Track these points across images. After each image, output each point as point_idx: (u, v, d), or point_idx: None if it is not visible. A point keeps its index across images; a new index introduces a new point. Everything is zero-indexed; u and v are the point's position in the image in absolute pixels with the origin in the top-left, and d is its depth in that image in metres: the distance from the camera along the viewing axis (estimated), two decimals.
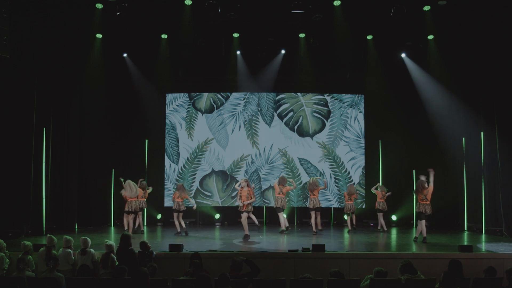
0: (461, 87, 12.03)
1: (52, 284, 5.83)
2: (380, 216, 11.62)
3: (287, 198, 13.25)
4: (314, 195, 11.04)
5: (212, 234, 11.07)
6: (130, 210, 10.61)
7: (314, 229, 10.94)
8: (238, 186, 10.19)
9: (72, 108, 12.12)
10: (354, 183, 12.81)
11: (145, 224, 12.87)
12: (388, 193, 11.75)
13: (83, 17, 10.98)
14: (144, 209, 11.65)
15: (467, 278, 5.98)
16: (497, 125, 10.78)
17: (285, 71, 13.18)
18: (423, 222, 9.50)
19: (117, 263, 6.71)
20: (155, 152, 13.49)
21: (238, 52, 12.97)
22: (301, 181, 13.36)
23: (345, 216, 11.89)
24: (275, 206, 11.04)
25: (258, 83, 13.34)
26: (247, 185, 9.97)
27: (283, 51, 12.95)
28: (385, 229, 11.56)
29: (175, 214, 10.74)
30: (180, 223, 10.74)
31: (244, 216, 9.96)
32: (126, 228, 10.60)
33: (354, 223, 11.65)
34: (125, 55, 12.85)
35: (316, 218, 11.15)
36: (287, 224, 11.05)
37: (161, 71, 12.96)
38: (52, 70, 11.15)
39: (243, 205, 9.87)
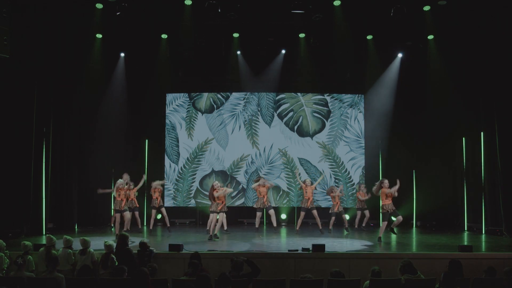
0: (461, 86, 12.03)
1: (52, 284, 5.83)
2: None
3: (287, 198, 13.31)
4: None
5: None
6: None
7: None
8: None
9: (72, 108, 12.13)
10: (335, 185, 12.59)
11: (144, 224, 12.88)
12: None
13: (83, 17, 10.98)
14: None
15: (467, 278, 5.98)
16: (497, 125, 10.78)
17: (285, 71, 13.18)
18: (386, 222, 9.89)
19: (116, 263, 6.72)
20: (155, 152, 13.49)
21: (238, 52, 12.97)
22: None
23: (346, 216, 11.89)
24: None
25: (258, 83, 13.35)
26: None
27: (283, 51, 12.97)
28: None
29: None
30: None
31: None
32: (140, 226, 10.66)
33: (330, 226, 11.56)
34: (122, 54, 12.81)
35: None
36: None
37: (161, 71, 12.96)
38: (52, 70, 11.15)
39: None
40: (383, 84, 13.10)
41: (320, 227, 11.02)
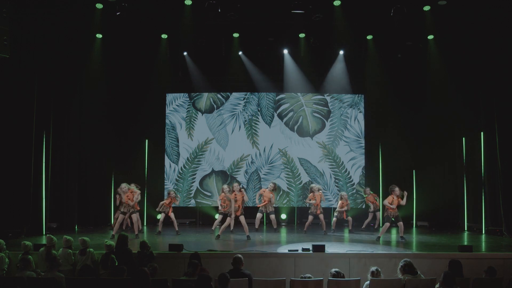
0: (461, 87, 12.03)
1: (52, 284, 5.83)
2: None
3: (287, 198, 13.31)
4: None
5: (212, 234, 11.07)
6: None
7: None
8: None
9: (72, 108, 12.13)
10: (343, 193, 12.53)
11: (145, 224, 12.90)
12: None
13: (83, 17, 10.99)
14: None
15: (467, 278, 5.98)
16: (497, 125, 10.78)
17: (285, 71, 13.17)
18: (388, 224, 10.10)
19: (117, 263, 6.72)
20: (155, 152, 13.49)
21: (240, 53, 12.97)
22: (301, 181, 13.36)
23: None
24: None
25: (258, 83, 13.35)
26: (240, 190, 10.46)
27: (285, 51, 12.97)
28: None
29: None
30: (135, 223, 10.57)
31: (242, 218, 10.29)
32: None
33: (333, 227, 11.55)
34: (123, 54, 12.78)
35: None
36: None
37: (161, 71, 12.96)
38: (52, 70, 11.15)
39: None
40: (383, 84, 13.09)
41: (325, 229, 11.04)
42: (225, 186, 10.72)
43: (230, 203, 10.30)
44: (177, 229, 11.03)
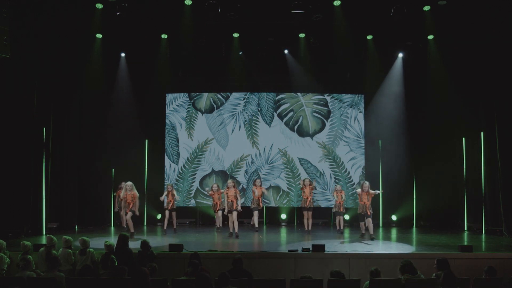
0: (461, 87, 12.04)
1: (52, 284, 5.83)
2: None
3: (287, 198, 13.31)
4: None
5: (212, 234, 11.08)
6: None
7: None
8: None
9: (72, 108, 12.13)
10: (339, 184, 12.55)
11: (145, 224, 12.90)
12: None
13: (83, 17, 10.99)
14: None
15: (467, 278, 5.99)
16: (497, 125, 10.79)
17: (285, 71, 13.19)
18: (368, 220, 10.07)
19: (116, 263, 6.72)
20: (155, 152, 13.49)
21: (240, 53, 12.96)
22: None
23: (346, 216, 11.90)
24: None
25: (258, 83, 13.35)
26: (234, 186, 10.61)
27: (286, 51, 12.97)
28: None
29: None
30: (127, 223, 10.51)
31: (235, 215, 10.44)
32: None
33: (342, 226, 11.48)
34: (122, 54, 12.79)
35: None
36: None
37: (161, 71, 12.95)
38: (52, 70, 11.16)
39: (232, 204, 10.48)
40: (383, 84, 13.10)
41: (309, 228, 11.08)
42: (215, 185, 11.22)
43: (221, 198, 10.59)
44: (175, 226, 11.06)
